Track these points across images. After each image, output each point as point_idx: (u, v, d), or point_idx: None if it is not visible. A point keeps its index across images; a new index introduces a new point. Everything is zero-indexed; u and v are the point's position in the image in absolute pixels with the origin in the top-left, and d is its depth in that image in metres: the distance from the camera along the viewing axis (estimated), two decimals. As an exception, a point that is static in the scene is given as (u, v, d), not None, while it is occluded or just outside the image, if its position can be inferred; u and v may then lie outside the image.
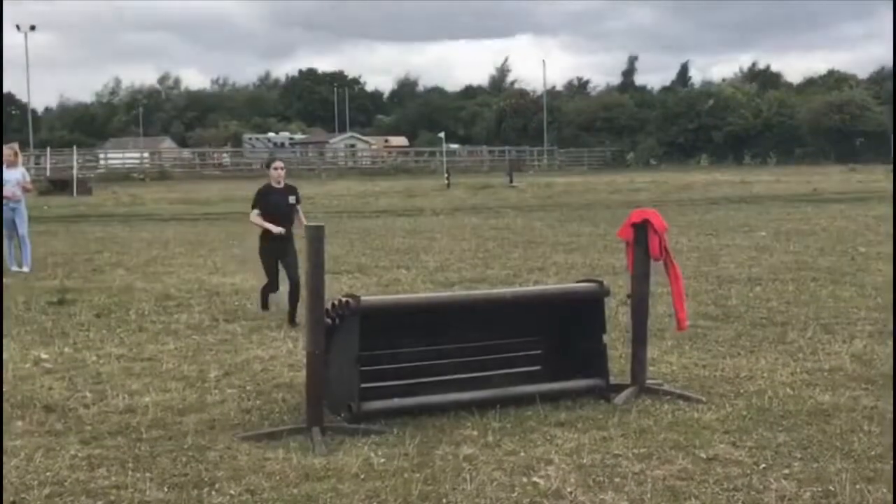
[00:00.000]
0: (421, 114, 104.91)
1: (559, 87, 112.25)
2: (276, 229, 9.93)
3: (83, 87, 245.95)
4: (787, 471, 5.44)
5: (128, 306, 11.20)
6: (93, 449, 5.92)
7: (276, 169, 10.23)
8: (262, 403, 6.96)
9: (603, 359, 7.10)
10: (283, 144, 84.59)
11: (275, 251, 10.12)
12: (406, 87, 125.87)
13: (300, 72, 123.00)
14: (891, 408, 6.61)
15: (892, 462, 5.53)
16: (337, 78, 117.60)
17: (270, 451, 5.83)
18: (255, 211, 10.11)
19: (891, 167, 54.63)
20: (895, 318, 9.63)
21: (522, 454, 5.77)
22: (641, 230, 7.16)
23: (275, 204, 10.07)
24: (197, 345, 9.06)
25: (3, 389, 7.19)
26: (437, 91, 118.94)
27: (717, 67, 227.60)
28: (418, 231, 21.50)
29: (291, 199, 10.17)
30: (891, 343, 8.65)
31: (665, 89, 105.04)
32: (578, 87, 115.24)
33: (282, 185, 10.20)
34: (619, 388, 7.05)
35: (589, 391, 7.01)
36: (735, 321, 9.88)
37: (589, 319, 7.17)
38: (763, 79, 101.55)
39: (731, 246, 17.09)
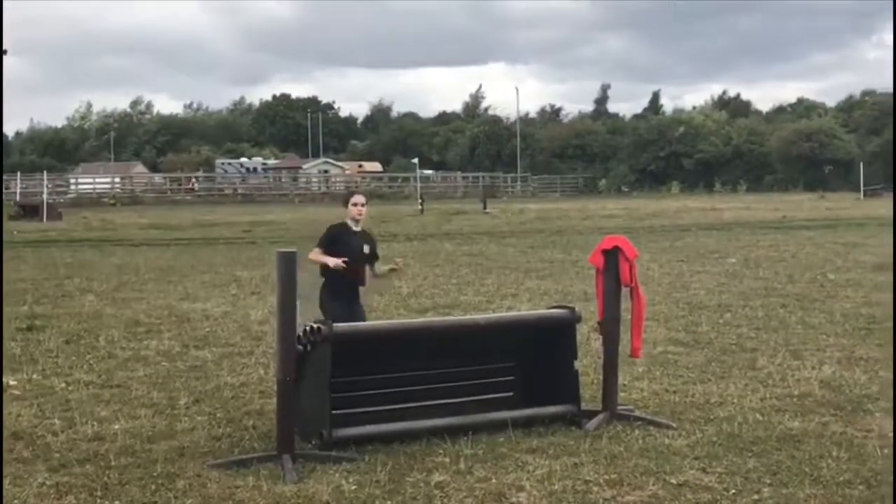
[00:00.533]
0: (395, 139, 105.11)
1: (532, 114, 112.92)
2: (333, 261, 7.84)
3: (54, 112, 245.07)
4: (756, 496, 5.47)
5: (97, 332, 11.10)
6: (61, 477, 5.86)
7: (355, 205, 8.11)
8: (233, 431, 6.92)
9: (575, 385, 7.12)
10: (255, 169, 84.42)
11: (342, 298, 8.04)
12: (380, 113, 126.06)
13: (274, 97, 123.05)
14: (859, 434, 6.68)
15: (860, 488, 5.57)
16: (311, 103, 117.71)
17: (240, 478, 5.79)
18: (317, 249, 8.02)
19: (859, 195, 55.34)
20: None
21: (494, 481, 5.77)
22: (612, 257, 7.21)
23: (347, 248, 8.00)
24: (167, 371, 9.00)
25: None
26: (412, 117, 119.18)
27: (689, 96, 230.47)
28: (391, 257, 21.42)
29: (367, 249, 8.17)
30: (858, 370, 8.73)
31: (637, 117, 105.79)
32: (551, 115, 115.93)
33: (359, 227, 8.20)
34: (591, 414, 7.07)
35: (561, 417, 7.03)
36: (705, 347, 9.94)
37: (561, 345, 7.20)
38: (733, 107, 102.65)
39: (701, 272, 17.21)
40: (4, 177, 61.43)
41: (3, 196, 43.54)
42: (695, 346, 10.05)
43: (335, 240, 8.05)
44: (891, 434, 6.59)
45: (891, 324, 11.06)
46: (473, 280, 16.53)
